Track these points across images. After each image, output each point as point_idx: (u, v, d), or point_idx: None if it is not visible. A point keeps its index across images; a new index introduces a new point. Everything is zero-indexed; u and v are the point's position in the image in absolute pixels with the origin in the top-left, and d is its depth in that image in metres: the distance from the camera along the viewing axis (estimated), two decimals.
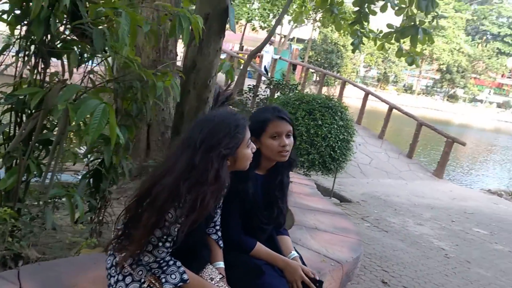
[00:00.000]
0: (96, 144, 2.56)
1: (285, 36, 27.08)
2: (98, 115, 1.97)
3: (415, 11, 6.58)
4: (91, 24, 2.28)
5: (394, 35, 6.82)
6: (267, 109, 2.06)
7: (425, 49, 32.52)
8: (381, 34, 7.31)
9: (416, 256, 4.72)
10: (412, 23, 6.45)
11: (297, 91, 8.50)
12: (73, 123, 2.12)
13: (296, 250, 2.08)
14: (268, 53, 16.19)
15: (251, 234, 1.93)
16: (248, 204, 1.88)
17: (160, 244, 1.50)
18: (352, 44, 7.53)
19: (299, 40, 33.24)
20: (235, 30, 2.88)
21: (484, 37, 57.57)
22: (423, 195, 8.39)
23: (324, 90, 20.56)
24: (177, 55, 3.56)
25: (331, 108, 6.73)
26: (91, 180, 2.66)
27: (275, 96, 8.98)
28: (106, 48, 2.26)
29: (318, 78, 25.13)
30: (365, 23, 7.34)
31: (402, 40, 7.01)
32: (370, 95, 12.55)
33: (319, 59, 27.93)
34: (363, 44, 7.73)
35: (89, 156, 2.72)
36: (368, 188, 8.06)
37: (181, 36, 2.33)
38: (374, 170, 9.64)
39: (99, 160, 2.65)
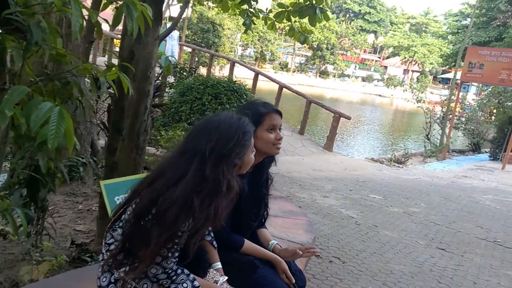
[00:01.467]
0: (27, 148, 2.29)
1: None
2: (54, 120, 1.76)
3: None
4: (20, 14, 2.00)
5: (286, 14, 7.05)
6: (257, 103, 2.04)
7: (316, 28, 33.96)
8: (270, 14, 7.47)
9: (333, 227, 5.08)
10: (308, 3, 6.74)
11: (196, 75, 8.39)
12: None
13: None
14: (172, 38, 15.40)
15: (238, 231, 1.92)
16: (239, 202, 1.86)
17: (170, 254, 1.43)
18: (243, 24, 7.59)
19: (172, 19, 32.46)
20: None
21: (347, 15, 62.31)
22: (320, 168, 8.95)
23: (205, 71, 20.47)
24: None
25: (236, 91, 6.81)
26: (25, 189, 2.37)
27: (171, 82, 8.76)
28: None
29: (197, 59, 24.90)
30: (254, 2, 7.44)
31: (293, 19, 7.28)
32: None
33: (196, 39, 27.59)
34: (254, 24, 7.86)
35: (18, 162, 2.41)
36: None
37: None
38: None
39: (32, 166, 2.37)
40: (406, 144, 15.41)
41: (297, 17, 7.27)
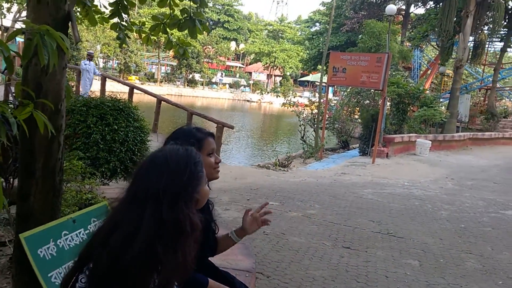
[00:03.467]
0: None
1: (7, 29, 23.74)
2: None
3: (178, 2, 6.77)
4: None
5: (162, 27, 6.87)
6: (189, 129, 1.98)
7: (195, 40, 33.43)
8: (144, 27, 7.24)
9: (244, 240, 5.00)
10: (186, 15, 6.64)
11: (74, 95, 7.68)
12: None
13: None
14: (89, 71, 13.33)
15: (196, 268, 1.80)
16: None
17: None
18: (117, 38, 7.24)
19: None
20: (79, 39, 2.43)
21: (207, 24, 63.29)
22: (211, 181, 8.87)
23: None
24: None
25: (123, 110, 6.39)
26: None
27: None
28: None
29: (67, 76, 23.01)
30: (125, 16, 7.14)
31: (170, 32, 7.13)
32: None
33: None
34: (129, 37, 7.54)
35: None
36: None
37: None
38: None
39: None
40: (284, 147, 16.17)
41: (176, 30, 7.15)
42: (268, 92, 44.99)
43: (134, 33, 8.04)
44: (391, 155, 13.38)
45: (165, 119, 16.88)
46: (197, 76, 50.27)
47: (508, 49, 24.75)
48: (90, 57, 14.21)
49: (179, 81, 49.41)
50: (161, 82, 46.72)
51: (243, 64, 67.21)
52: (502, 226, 6.70)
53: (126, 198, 1.36)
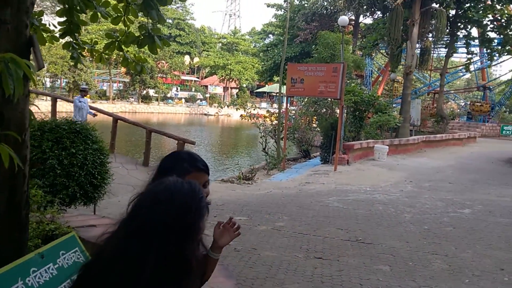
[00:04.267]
0: None
1: None
2: None
3: (132, 19, 6.66)
4: None
5: (117, 44, 6.74)
6: (181, 157, 1.80)
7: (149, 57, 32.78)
8: (96, 45, 7.09)
9: (220, 258, 4.95)
10: (144, 31, 6.53)
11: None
12: None
13: None
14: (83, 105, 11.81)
15: None
16: None
17: None
18: (71, 57, 7.04)
19: None
20: (43, 65, 2.32)
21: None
22: None
23: None
24: None
25: (80, 132, 6.17)
26: None
27: None
28: None
29: None
30: (77, 34, 6.98)
31: (125, 49, 7.00)
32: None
33: None
34: (83, 56, 7.35)
35: None
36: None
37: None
38: (118, 186, 9.34)
39: None
40: (246, 160, 16.14)
41: (136, 47, 7.02)
42: (227, 106, 45.01)
43: (86, 51, 7.83)
44: (351, 161, 13.65)
45: (121, 138, 16.48)
46: (151, 92, 49.59)
47: (452, 55, 25.97)
48: (84, 92, 12.52)
49: (132, 97, 48.55)
50: (113, 99, 45.74)
51: (198, 77, 66.99)
52: (462, 225, 6.95)
53: (124, 233, 1.29)
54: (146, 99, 48.62)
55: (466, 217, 7.49)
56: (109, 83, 47.38)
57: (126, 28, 7.40)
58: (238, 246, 5.50)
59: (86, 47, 7.93)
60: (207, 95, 57.78)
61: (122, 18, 7.10)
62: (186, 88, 60.84)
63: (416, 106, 23.39)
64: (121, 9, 6.43)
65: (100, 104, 40.58)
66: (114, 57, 41.43)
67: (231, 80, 57.90)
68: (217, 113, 46.36)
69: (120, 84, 51.96)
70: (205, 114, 49.12)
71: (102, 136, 6.86)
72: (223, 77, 57.80)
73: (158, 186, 1.39)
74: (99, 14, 6.39)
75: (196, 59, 63.18)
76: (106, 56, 8.19)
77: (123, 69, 46.72)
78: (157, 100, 50.16)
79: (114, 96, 46.89)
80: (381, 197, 8.99)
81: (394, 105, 25.18)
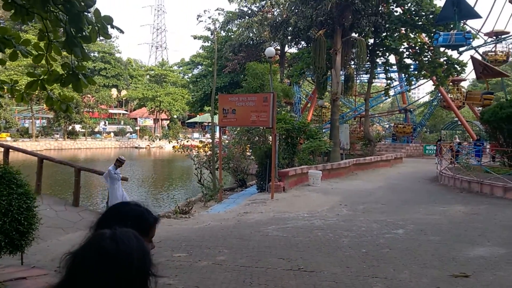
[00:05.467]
0: None
1: None
2: None
3: (56, 57, 6.41)
4: None
5: (39, 83, 6.44)
6: (141, 212, 1.70)
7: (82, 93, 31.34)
8: (17, 84, 6.74)
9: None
10: (67, 70, 6.28)
11: None
12: None
13: None
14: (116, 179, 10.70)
15: None
16: None
17: None
18: None
19: None
20: None
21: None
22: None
23: None
24: None
25: (3, 176, 5.74)
26: None
27: None
28: None
29: None
30: None
31: (49, 88, 6.70)
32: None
33: None
34: (2, 97, 6.96)
35: None
36: (61, 248, 7.30)
37: None
38: (47, 230, 8.74)
39: None
40: (182, 193, 15.81)
41: (59, 86, 6.72)
42: (159, 139, 44.23)
43: (5, 91, 7.39)
44: (287, 188, 13.83)
45: (48, 177, 15.57)
46: (77, 127, 47.68)
47: (374, 80, 27.61)
48: (120, 163, 10.85)
49: (57, 134, 46.35)
50: (37, 136, 43.35)
51: (127, 110, 65.49)
52: (397, 245, 7.21)
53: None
54: (72, 134, 46.62)
55: (400, 238, 7.78)
56: (31, 120, 44.94)
57: (49, 66, 7.07)
58: (179, 285, 5.30)
59: (6, 87, 7.50)
60: (137, 128, 56.51)
61: (44, 56, 6.79)
62: (115, 122, 59.16)
63: (344, 131, 24.41)
64: (43, 47, 6.13)
65: (22, 142, 38.28)
66: (36, 93, 39.61)
67: (161, 111, 57.19)
68: (148, 145, 45.39)
69: (44, 120, 49.48)
70: (136, 147, 47.88)
71: (27, 179, 6.43)
72: (152, 109, 56.96)
73: (104, 240, 1.30)
74: (19, 52, 6.06)
75: (123, 92, 61.92)
76: (28, 96, 7.78)
77: (45, 105, 44.62)
78: (84, 135, 48.27)
79: (38, 133, 44.47)
80: (319, 223, 9.14)
81: (323, 130, 26.11)
